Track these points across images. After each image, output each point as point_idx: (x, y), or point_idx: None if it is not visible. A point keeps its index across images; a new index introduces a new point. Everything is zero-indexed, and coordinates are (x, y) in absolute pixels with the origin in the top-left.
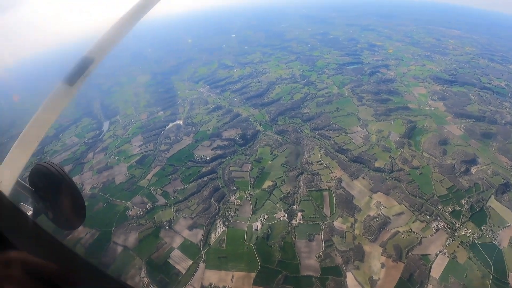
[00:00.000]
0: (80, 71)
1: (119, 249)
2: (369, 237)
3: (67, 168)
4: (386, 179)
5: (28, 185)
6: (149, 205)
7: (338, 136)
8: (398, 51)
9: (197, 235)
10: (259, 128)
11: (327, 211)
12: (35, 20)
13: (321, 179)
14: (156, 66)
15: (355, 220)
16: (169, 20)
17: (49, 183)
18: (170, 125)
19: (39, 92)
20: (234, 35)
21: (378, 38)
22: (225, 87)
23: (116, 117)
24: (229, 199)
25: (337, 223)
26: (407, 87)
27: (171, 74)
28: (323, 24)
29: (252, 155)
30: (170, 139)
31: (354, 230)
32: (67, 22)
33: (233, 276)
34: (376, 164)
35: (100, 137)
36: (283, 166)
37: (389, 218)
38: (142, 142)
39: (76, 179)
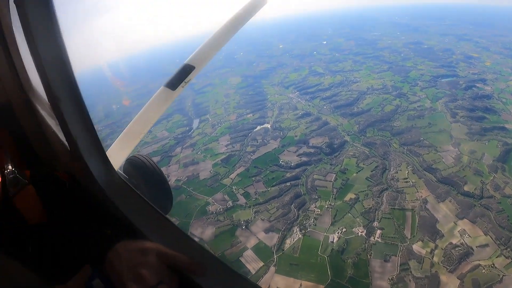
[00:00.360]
0: (181, 77)
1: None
2: (448, 267)
3: (155, 159)
4: (475, 205)
5: (123, 174)
6: (230, 203)
7: (427, 154)
8: (496, 64)
9: (272, 239)
10: (347, 138)
11: (407, 233)
12: (132, 22)
13: (405, 198)
14: (247, 69)
15: (436, 246)
16: (261, 25)
17: (141, 173)
18: (258, 128)
19: (137, 88)
20: (325, 42)
21: (475, 49)
22: (315, 94)
23: (206, 116)
24: (309, 207)
25: (416, 247)
26: (504, 105)
27: (262, 78)
28: (417, 32)
29: (337, 165)
30: (257, 142)
31: (433, 257)
32: (166, 24)
33: (301, 285)
34: (465, 188)
35: (189, 133)
36: (368, 180)
37: (472, 249)
38: (229, 142)
39: (163, 170)
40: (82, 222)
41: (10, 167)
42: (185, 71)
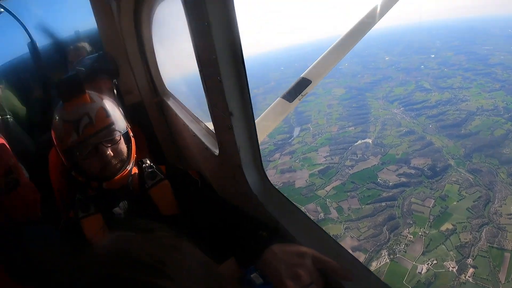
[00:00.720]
0: (298, 90)
1: None
2: None
3: None
4: None
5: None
6: (321, 215)
7: None
8: None
9: (358, 258)
10: (451, 162)
11: (502, 276)
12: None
13: (506, 237)
14: (351, 81)
15: None
16: (367, 35)
17: None
18: (359, 142)
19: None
20: (433, 56)
21: None
22: (421, 111)
23: (308, 125)
24: (402, 232)
25: None
26: None
27: (366, 90)
28: None
29: (437, 190)
30: (357, 156)
31: None
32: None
33: None
34: None
35: (289, 140)
36: (468, 211)
37: None
38: (328, 154)
39: None
40: (223, 221)
41: (148, 162)
42: (302, 85)
